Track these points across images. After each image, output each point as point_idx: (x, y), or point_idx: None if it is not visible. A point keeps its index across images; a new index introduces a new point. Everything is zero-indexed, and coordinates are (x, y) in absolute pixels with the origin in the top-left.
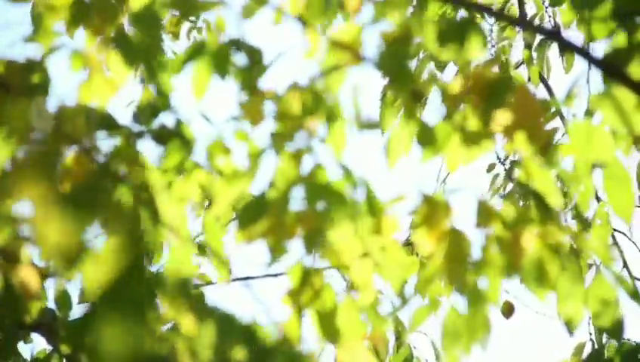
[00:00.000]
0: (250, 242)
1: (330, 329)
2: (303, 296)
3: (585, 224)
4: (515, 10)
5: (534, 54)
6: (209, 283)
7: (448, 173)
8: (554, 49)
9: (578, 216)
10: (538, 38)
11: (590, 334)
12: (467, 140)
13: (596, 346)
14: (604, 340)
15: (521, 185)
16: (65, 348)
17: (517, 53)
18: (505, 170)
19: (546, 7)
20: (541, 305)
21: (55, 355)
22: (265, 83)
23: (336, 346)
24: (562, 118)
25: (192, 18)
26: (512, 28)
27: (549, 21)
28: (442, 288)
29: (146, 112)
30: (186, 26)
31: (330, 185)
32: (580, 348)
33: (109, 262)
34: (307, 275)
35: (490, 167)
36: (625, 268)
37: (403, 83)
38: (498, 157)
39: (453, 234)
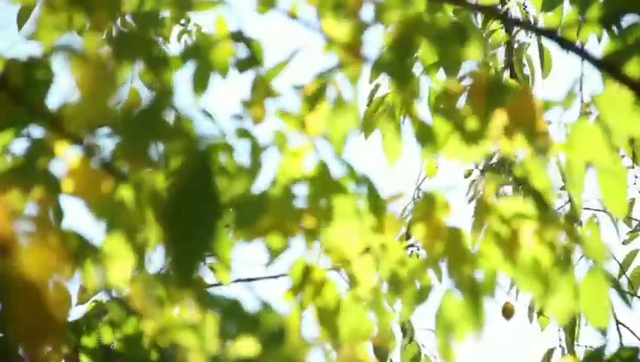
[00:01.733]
0: (250, 241)
1: (332, 327)
2: (304, 292)
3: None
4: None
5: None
6: (207, 286)
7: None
8: (533, 53)
9: (571, 217)
10: (516, 44)
11: (560, 339)
12: (466, 139)
13: (566, 352)
14: (597, 343)
15: (520, 182)
16: (64, 348)
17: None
18: (503, 169)
19: (527, 11)
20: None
21: (54, 355)
22: (269, 81)
23: (338, 344)
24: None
25: (183, 21)
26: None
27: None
28: (433, 277)
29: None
30: (176, 30)
31: (334, 181)
32: (548, 354)
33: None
34: (309, 271)
35: (468, 173)
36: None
37: (403, 82)
38: (475, 165)
39: (451, 231)
